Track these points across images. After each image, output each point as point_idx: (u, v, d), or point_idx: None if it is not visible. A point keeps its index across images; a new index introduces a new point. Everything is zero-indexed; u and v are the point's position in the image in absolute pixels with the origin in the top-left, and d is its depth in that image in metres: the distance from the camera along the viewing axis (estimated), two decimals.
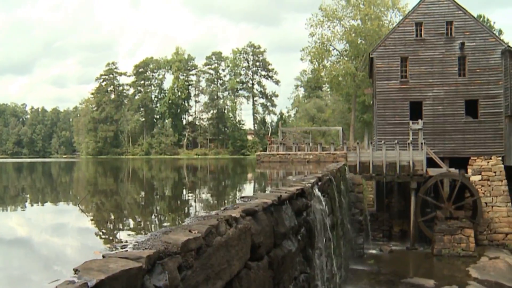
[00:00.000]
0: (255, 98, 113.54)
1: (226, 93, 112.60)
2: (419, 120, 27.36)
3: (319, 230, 8.64)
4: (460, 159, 27.93)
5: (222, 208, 5.07)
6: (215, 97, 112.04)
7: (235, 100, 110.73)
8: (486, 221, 25.81)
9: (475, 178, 26.84)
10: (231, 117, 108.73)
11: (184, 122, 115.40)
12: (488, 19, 55.05)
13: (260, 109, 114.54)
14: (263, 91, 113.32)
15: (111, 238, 6.03)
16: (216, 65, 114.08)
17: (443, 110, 28.69)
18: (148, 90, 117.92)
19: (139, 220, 8.02)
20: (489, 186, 26.66)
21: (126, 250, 3.10)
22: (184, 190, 15.11)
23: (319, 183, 9.98)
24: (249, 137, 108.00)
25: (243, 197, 6.16)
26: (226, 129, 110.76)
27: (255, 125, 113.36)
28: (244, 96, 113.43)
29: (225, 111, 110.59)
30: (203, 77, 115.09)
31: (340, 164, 20.11)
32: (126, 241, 3.89)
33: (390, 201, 28.44)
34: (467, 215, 24.88)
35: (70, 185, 17.80)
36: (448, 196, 24.52)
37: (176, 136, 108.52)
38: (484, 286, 18.06)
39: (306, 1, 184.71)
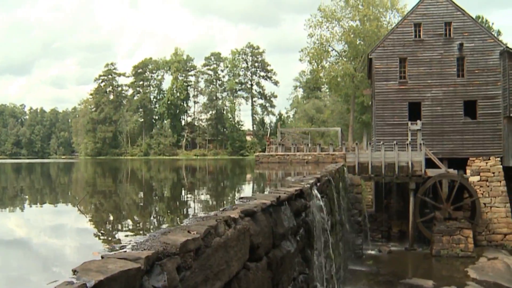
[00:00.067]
0: (254, 99, 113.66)
1: (225, 94, 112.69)
2: (418, 121, 27.39)
3: (318, 231, 8.64)
4: (458, 159, 27.95)
5: (221, 209, 5.07)
6: (214, 97, 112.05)
7: (234, 101, 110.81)
8: (484, 221, 25.83)
9: (474, 179, 26.86)
10: (230, 117, 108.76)
11: (183, 122, 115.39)
12: (486, 20, 55.22)
13: (259, 109, 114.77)
14: (262, 91, 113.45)
15: (109, 238, 6.03)
16: (215, 65, 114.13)
17: (442, 111, 28.72)
18: (147, 91, 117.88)
19: (138, 220, 8.01)
20: (488, 186, 26.68)
21: (125, 251, 3.10)
22: (183, 191, 15.11)
23: (318, 184, 9.99)
24: (248, 138, 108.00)
25: (242, 197, 6.16)
26: (225, 129, 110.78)
27: (254, 125, 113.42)
28: (243, 97, 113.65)
29: (224, 112, 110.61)
30: (202, 78, 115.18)
31: (339, 165, 20.11)
32: (125, 242, 3.89)
33: (389, 201, 28.47)
34: (466, 215, 24.92)
35: (69, 186, 17.79)
36: (447, 197, 24.55)
37: (175, 137, 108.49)
38: (482, 286, 18.08)
39: (305, 2, 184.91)
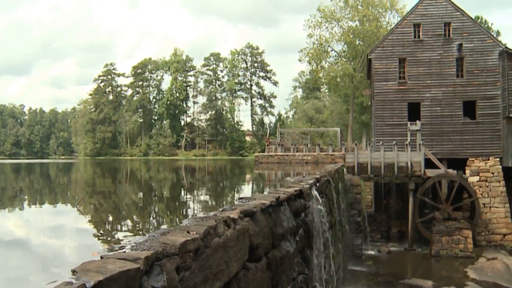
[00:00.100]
0: (253, 99, 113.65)
1: (224, 94, 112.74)
2: (417, 121, 27.40)
3: (317, 231, 8.64)
4: (458, 160, 27.96)
5: (220, 209, 5.07)
6: (213, 98, 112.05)
7: (233, 101, 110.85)
8: (484, 222, 25.83)
9: (473, 179, 26.87)
10: (229, 118, 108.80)
11: (182, 123, 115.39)
12: (486, 20, 55.20)
13: (258, 110, 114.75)
14: (261, 92, 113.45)
15: (109, 239, 6.03)
16: (214, 66, 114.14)
17: (441, 111, 28.72)
18: (146, 91, 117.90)
19: (137, 221, 8.01)
20: (487, 187, 26.69)
21: (124, 251, 3.10)
22: (182, 191, 15.11)
23: (317, 184, 9.99)
24: (247, 138, 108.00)
25: (241, 198, 6.16)
26: (224, 130, 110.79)
27: (253, 126, 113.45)
28: (242, 97, 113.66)
29: (223, 112, 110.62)
30: (201, 78, 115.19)
31: (338, 165, 20.12)
32: (124, 242, 3.89)
33: (388, 202, 28.48)
34: (465, 216, 24.94)
35: (68, 186, 17.79)
36: (446, 197, 24.56)
37: (174, 137, 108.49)
38: (482, 287, 18.09)
39: (304, 2, 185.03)
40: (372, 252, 23.69)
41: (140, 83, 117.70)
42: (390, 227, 27.56)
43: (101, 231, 6.81)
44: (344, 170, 22.61)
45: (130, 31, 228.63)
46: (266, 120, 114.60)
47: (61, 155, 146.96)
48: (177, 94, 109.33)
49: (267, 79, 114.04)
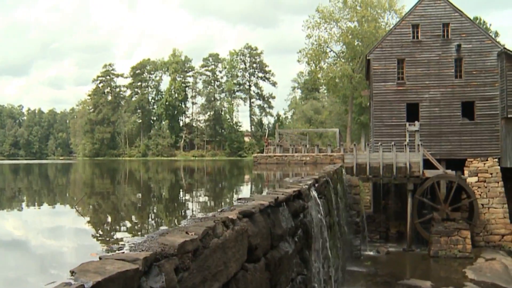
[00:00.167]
0: (252, 100, 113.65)
1: (223, 95, 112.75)
2: (416, 122, 27.42)
3: (316, 232, 8.65)
4: (456, 160, 27.99)
5: (219, 210, 5.07)
6: (212, 98, 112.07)
7: (232, 102, 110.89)
8: (482, 222, 25.86)
9: (472, 180, 26.91)
10: (228, 118, 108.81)
11: (181, 123, 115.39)
12: (484, 21, 55.23)
13: (257, 110, 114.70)
14: (260, 92, 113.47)
15: (107, 239, 6.03)
16: (213, 66, 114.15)
17: (440, 112, 28.76)
18: (145, 92, 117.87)
19: (136, 221, 8.01)
20: (486, 187, 26.72)
21: (123, 252, 3.10)
22: (181, 192, 15.11)
23: (316, 185, 9.99)
24: (246, 139, 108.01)
25: (240, 198, 6.16)
26: (223, 130, 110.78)
27: (252, 126, 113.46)
28: (241, 98, 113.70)
29: (222, 113, 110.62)
30: (200, 79, 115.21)
31: (337, 166, 20.12)
32: (123, 243, 3.89)
33: (387, 202, 28.50)
34: (464, 216, 24.95)
35: (67, 187, 17.77)
36: (445, 198, 24.57)
37: (173, 138, 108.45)
38: (480, 287, 18.10)
39: (303, 3, 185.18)
40: (370, 253, 23.70)
41: (139, 83, 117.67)
42: (389, 227, 27.57)
43: (100, 232, 6.81)
44: (343, 170, 22.61)
45: (129, 32, 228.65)
46: (265, 120, 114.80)
47: (60, 156, 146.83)
48: (176, 95, 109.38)
49: (266, 80, 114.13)
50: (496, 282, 18.70)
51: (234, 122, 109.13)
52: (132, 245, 3.30)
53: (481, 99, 28.34)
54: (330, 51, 53.13)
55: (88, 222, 7.74)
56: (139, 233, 6.49)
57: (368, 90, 37.32)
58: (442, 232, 22.99)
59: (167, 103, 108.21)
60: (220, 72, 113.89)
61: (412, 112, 29.03)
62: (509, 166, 27.37)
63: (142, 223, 7.89)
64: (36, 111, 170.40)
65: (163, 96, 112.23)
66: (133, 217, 8.61)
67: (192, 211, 9.26)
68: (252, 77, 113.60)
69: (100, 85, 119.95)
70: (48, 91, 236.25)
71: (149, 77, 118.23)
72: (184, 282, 3.31)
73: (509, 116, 27.20)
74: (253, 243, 4.81)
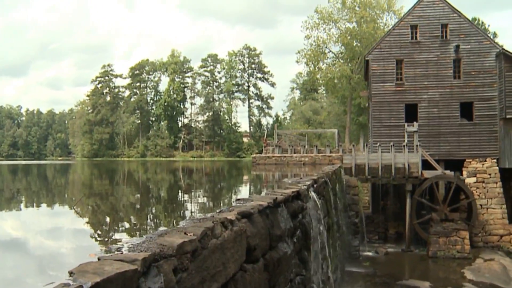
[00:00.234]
0: (250, 101, 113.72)
1: (221, 96, 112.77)
2: (415, 123, 27.43)
3: (314, 233, 8.65)
4: (455, 161, 28.02)
5: (217, 211, 5.07)
6: (211, 99, 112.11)
7: (231, 103, 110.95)
8: (481, 223, 25.88)
9: (470, 180, 26.93)
10: (227, 119, 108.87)
11: (179, 124, 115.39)
12: (483, 22, 55.37)
13: (255, 111, 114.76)
14: (258, 93, 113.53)
15: (106, 240, 6.03)
16: (211, 67, 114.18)
17: (438, 113, 28.79)
18: (143, 92, 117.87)
19: (135, 222, 8.01)
20: (484, 188, 26.74)
21: (122, 253, 3.10)
22: (180, 193, 15.10)
23: (315, 186, 10.00)
24: (245, 140, 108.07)
25: (238, 199, 6.16)
26: (221, 131, 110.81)
27: (251, 127, 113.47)
28: (240, 99, 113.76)
29: (221, 114, 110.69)
30: (199, 80, 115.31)
31: (335, 167, 20.13)
32: (122, 244, 3.89)
33: (385, 203, 28.51)
34: (462, 217, 24.97)
35: (65, 187, 17.75)
36: (443, 198, 24.60)
37: (172, 138, 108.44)
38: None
39: (302, 3, 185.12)
40: (369, 253, 23.69)
41: (138, 84, 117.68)
42: (388, 228, 27.58)
43: (99, 233, 6.80)
44: (342, 171, 22.61)
45: (128, 32, 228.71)
46: (264, 121, 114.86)
47: (59, 157, 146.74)
48: (175, 95, 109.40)
49: (265, 81, 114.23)
50: (494, 283, 18.72)
51: (232, 123, 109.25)
52: (131, 245, 3.30)
53: (479, 100, 28.38)
54: (329, 52, 53.21)
55: (87, 222, 7.73)
56: (138, 233, 6.49)
57: (366, 90, 37.34)
58: (441, 233, 23.00)
59: (165, 103, 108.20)
60: (219, 72, 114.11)
61: (411, 113, 29.05)
62: (508, 167, 27.41)
63: (140, 223, 7.89)
64: (35, 112, 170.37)
65: (161, 96, 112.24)
66: (132, 218, 8.61)
67: (191, 211, 9.26)
68: (251, 77, 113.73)
69: (99, 86, 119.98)
70: (47, 92, 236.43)
71: (148, 77, 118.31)
72: (183, 283, 3.30)
73: (507, 116, 27.24)
74: (251, 244, 4.81)
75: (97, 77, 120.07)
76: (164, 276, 3.02)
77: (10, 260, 4.84)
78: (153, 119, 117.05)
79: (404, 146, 25.89)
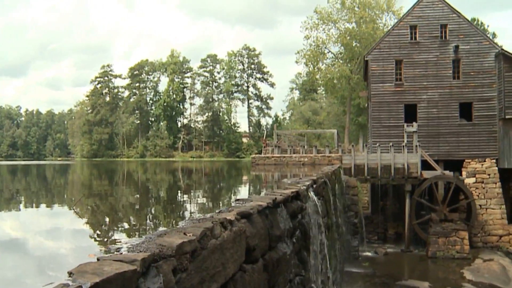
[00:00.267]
0: (250, 101, 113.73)
1: (221, 96, 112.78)
2: (414, 123, 27.45)
3: (314, 233, 8.65)
4: (454, 161, 28.04)
5: (217, 211, 5.07)
6: (210, 99, 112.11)
7: (230, 103, 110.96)
8: (480, 223, 25.90)
9: (470, 181, 26.94)
10: (226, 119, 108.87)
11: (179, 124, 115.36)
12: (482, 22, 55.44)
13: (255, 111, 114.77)
14: (258, 93, 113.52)
15: (105, 240, 6.02)
16: (211, 67, 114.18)
17: (438, 113, 28.81)
18: (143, 93, 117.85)
19: (134, 222, 8.00)
20: (483, 188, 26.77)
21: (121, 253, 3.10)
22: (179, 193, 15.09)
23: (314, 186, 9.99)
24: (244, 140, 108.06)
25: (238, 199, 6.16)
26: (221, 131, 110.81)
27: (250, 127, 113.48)
28: (239, 99, 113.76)
29: (220, 114, 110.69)
30: (198, 80, 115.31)
31: (335, 167, 20.13)
32: (121, 244, 3.89)
33: (385, 203, 28.52)
34: (462, 217, 24.99)
35: (65, 187, 17.74)
36: (443, 199, 24.61)
37: (171, 139, 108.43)
38: None
39: (301, 4, 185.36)
40: (368, 254, 23.71)
41: (137, 84, 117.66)
42: (387, 228, 27.60)
43: (98, 233, 6.80)
44: (341, 171, 22.62)
45: (127, 33, 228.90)
46: (263, 121, 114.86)
47: (58, 157, 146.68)
48: (174, 96, 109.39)
49: (264, 81, 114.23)
50: (493, 283, 18.74)
51: (232, 123, 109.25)
52: (130, 246, 3.29)
53: (479, 100, 28.40)
54: (328, 52, 53.24)
55: (86, 223, 7.72)
56: (137, 234, 6.49)
57: (366, 91, 37.36)
58: (440, 233, 23.02)
59: (165, 104, 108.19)
60: (218, 73, 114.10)
61: (410, 113, 29.07)
62: (507, 167, 27.44)
63: (140, 224, 7.89)
64: (34, 112, 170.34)
65: (161, 97, 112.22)
66: (131, 218, 8.60)
67: (190, 212, 9.25)
68: (250, 78, 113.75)
69: (98, 86, 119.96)
70: (46, 92, 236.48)
71: (147, 78, 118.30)
72: (182, 283, 3.30)
73: (506, 117, 27.27)
74: (251, 244, 4.81)
75: (96, 78, 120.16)
76: (163, 276, 3.02)
77: (10, 260, 4.84)
78: (153, 119, 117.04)
79: (403, 146, 25.92)
